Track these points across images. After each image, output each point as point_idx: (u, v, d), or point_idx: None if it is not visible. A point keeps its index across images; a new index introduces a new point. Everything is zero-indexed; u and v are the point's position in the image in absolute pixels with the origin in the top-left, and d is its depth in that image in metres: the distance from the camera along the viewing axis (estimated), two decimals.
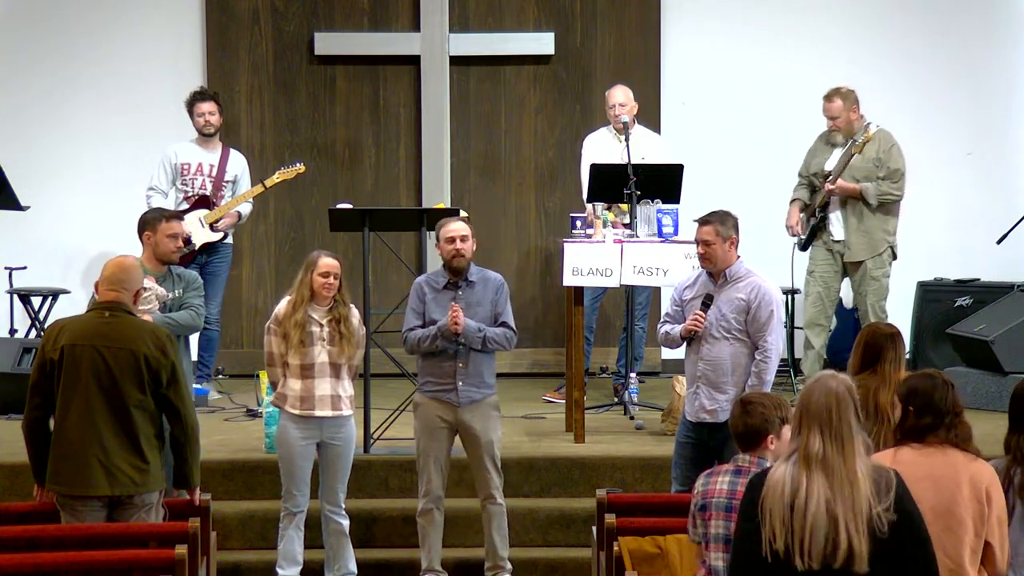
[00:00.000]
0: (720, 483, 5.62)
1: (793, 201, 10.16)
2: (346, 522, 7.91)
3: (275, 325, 7.85)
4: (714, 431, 7.47)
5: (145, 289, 7.50)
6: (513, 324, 7.96)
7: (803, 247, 10.14)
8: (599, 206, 9.36)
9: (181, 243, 7.85)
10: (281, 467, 7.88)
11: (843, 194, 9.88)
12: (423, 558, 7.93)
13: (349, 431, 7.89)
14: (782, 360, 8.43)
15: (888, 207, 9.95)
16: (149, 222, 7.85)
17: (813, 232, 10.04)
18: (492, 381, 7.96)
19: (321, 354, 7.78)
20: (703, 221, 7.56)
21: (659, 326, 7.84)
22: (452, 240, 7.86)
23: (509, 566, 7.96)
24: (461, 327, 7.74)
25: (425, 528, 7.90)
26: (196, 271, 8.81)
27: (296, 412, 7.78)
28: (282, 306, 7.87)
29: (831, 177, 9.89)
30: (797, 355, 10.91)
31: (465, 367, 7.83)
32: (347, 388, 7.86)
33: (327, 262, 7.79)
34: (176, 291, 7.78)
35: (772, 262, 10.26)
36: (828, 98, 10.02)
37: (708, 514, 5.59)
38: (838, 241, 10.00)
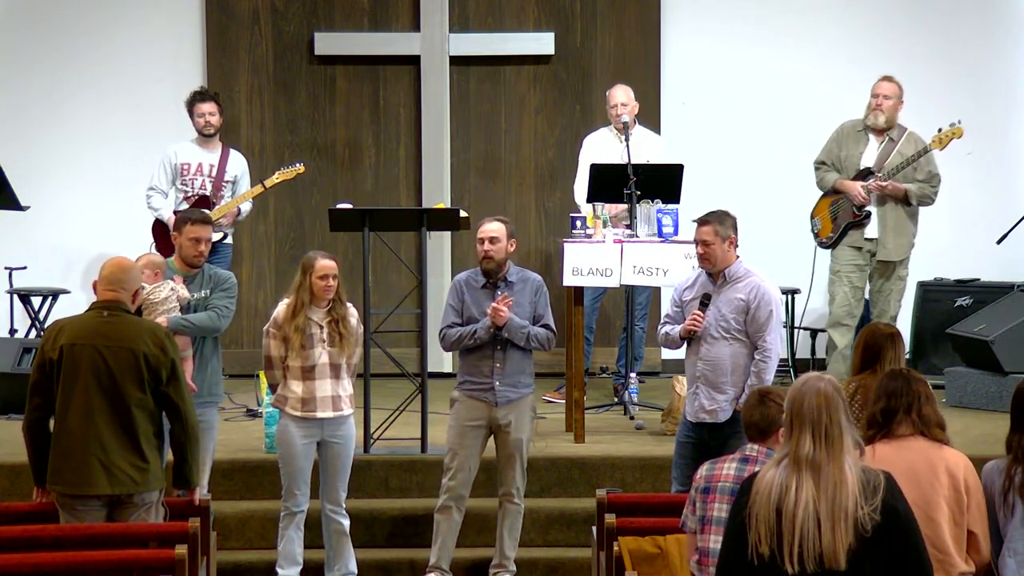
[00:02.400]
0: (726, 469, 5.64)
1: (834, 181, 9.90)
2: (347, 522, 7.90)
3: (274, 329, 7.83)
4: (714, 431, 7.47)
5: (159, 289, 7.52)
6: (553, 326, 7.98)
7: (832, 245, 10.04)
8: (599, 206, 9.35)
9: (203, 247, 7.79)
10: (282, 467, 7.88)
11: (893, 194, 9.79)
12: (432, 554, 7.91)
13: (349, 430, 7.89)
14: (781, 360, 8.42)
15: (915, 210, 9.89)
16: (176, 223, 7.88)
17: (844, 231, 9.94)
18: (530, 380, 8.01)
19: (322, 355, 7.77)
20: (702, 221, 7.56)
21: (659, 327, 7.84)
22: (482, 241, 7.90)
23: (513, 567, 7.98)
24: (504, 320, 7.75)
25: (440, 525, 7.89)
26: None
27: (297, 414, 7.78)
28: (280, 309, 7.85)
29: (882, 174, 9.76)
30: (798, 355, 10.91)
31: (502, 367, 7.85)
32: (347, 387, 7.85)
33: (325, 264, 7.77)
34: (204, 291, 7.77)
35: (772, 262, 10.30)
36: (889, 79, 9.84)
37: (711, 496, 5.60)
38: (870, 239, 9.90)
